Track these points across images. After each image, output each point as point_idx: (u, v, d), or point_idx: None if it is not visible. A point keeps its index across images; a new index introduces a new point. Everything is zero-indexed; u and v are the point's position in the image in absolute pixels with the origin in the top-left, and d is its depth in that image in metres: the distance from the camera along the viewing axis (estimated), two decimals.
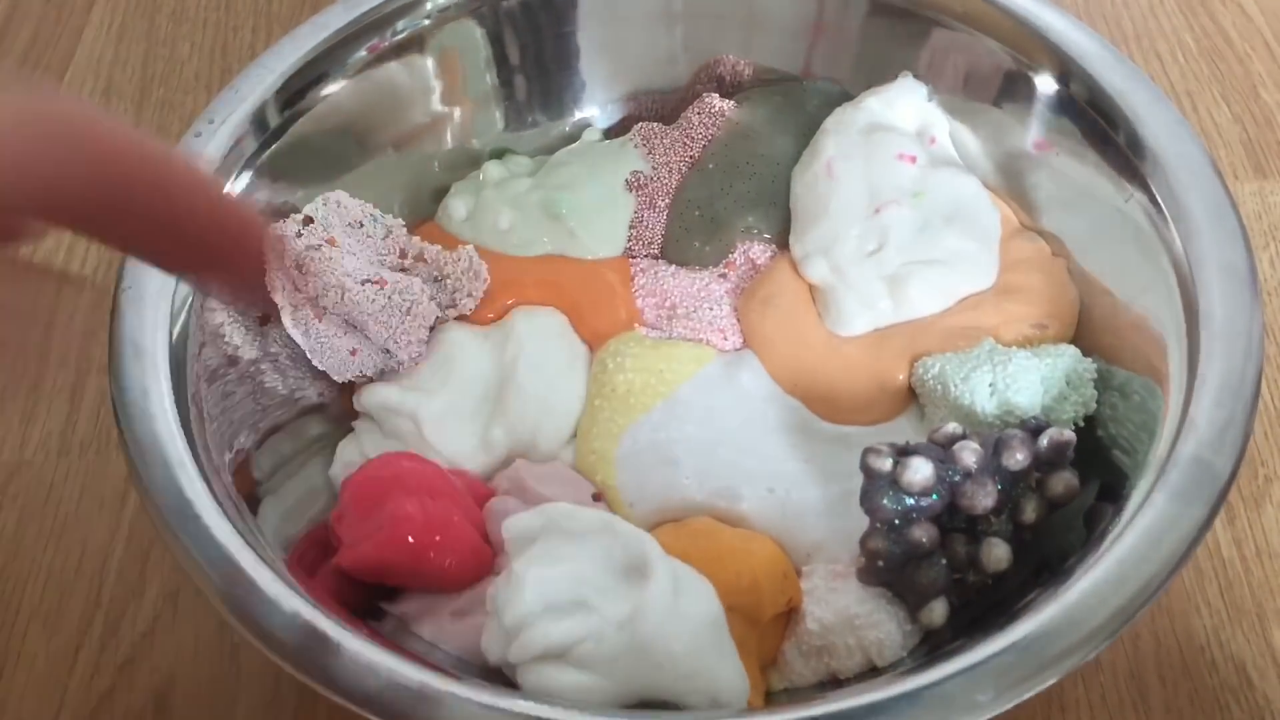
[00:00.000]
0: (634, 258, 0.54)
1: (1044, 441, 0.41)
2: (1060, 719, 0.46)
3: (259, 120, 0.51)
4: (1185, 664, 0.46)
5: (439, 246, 0.51)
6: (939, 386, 0.46)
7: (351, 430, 0.50)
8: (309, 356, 0.49)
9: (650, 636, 0.39)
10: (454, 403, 0.49)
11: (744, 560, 0.43)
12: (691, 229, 0.53)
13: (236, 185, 0.50)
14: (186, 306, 0.46)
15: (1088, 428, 0.45)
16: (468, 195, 0.56)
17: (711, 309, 0.51)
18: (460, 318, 0.52)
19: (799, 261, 0.51)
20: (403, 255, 0.51)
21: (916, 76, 0.53)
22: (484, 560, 0.44)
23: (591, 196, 0.54)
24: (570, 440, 0.49)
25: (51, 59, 0.71)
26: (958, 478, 0.41)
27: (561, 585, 0.41)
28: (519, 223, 0.54)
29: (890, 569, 0.42)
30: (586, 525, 0.43)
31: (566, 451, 0.49)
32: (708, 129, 0.55)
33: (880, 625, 0.41)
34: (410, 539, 0.42)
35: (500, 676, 0.42)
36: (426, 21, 0.55)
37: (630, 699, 0.40)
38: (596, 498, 0.47)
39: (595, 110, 0.59)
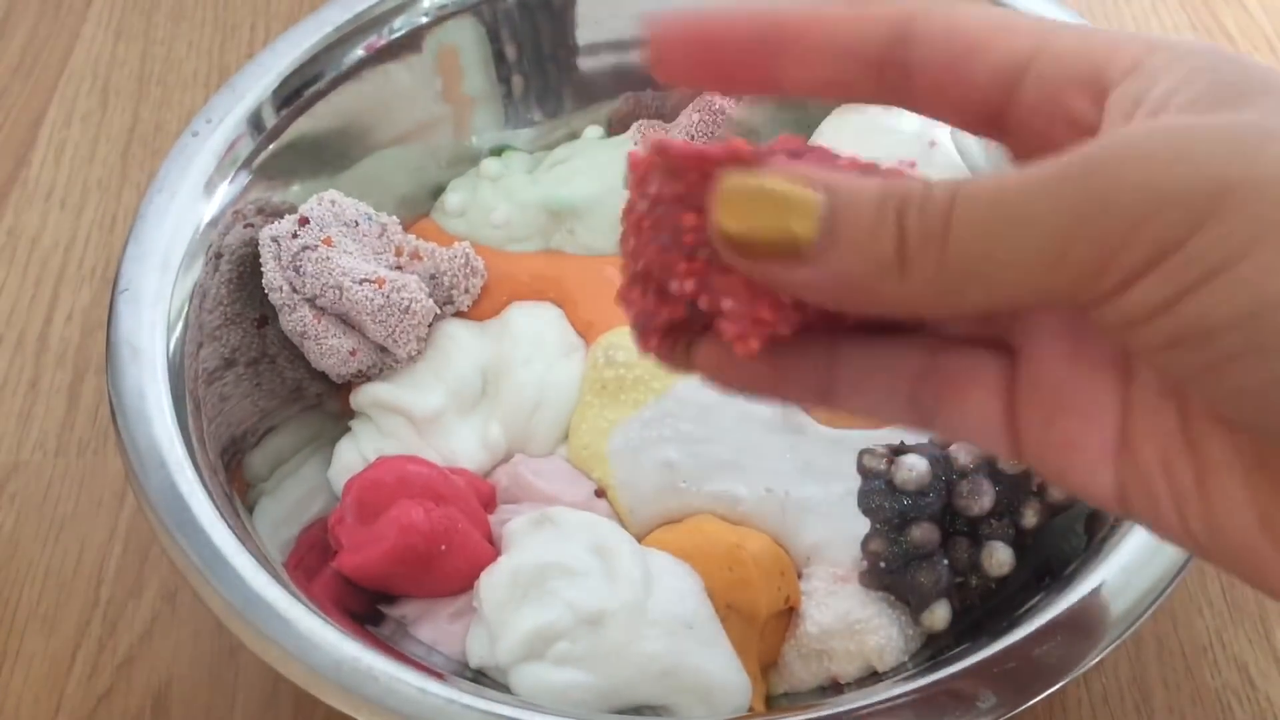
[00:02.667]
0: None
1: None
2: None
3: (256, 119, 0.51)
4: (1188, 665, 0.46)
5: (434, 244, 0.51)
6: None
7: (349, 430, 0.50)
8: (307, 357, 0.48)
9: (622, 636, 0.40)
10: (451, 400, 0.49)
11: (735, 555, 0.43)
12: None
13: (233, 185, 0.50)
14: (184, 308, 0.46)
15: None
16: (464, 192, 0.55)
17: None
18: (458, 314, 0.51)
19: None
20: (399, 253, 0.50)
21: None
22: (488, 565, 0.44)
23: (590, 194, 0.53)
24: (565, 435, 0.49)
25: (49, 57, 0.70)
26: (955, 477, 0.41)
27: (534, 573, 0.41)
28: (515, 218, 0.53)
29: (892, 571, 0.42)
30: (570, 521, 0.43)
31: (564, 447, 0.49)
32: (708, 127, 0.55)
33: (881, 630, 0.41)
34: (416, 547, 0.42)
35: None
36: (424, 19, 0.55)
37: (624, 698, 0.40)
38: (598, 494, 0.47)
39: (595, 108, 0.59)
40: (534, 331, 0.50)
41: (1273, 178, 0.18)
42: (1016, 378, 0.23)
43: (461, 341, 0.50)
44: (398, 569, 0.43)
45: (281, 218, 0.49)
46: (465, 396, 0.49)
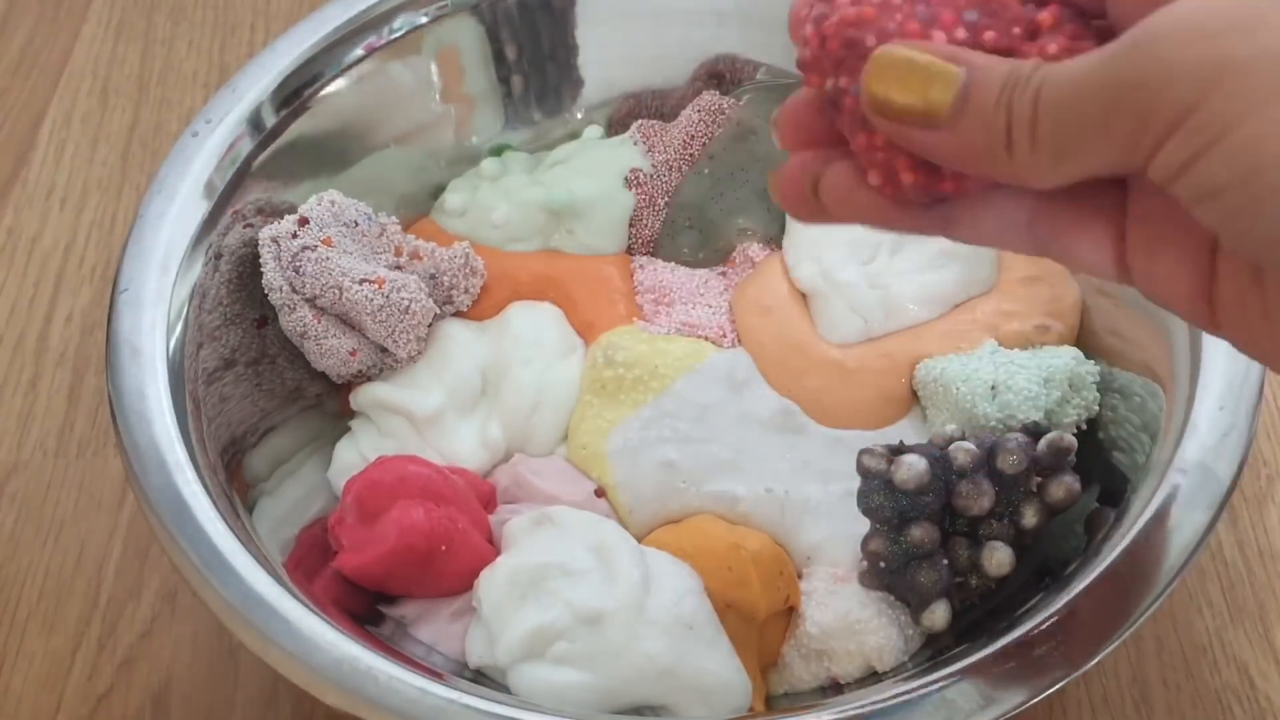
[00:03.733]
0: (634, 255, 0.53)
1: (1043, 445, 0.41)
2: None
3: (256, 119, 0.51)
4: (1187, 665, 0.46)
5: (434, 244, 0.51)
6: (940, 388, 0.45)
7: (349, 430, 0.50)
8: (307, 357, 0.48)
9: (622, 636, 0.40)
10: (450, 400, 0.49)
11: (735, 555, 0.43)
12: (680, 235, 0.53)
13: (233, 185, 0.50)
14: (184, 308, 0.46)
15: (1088, 429, 0.45)
16: (464, 191, 0.55)
17: (710, 306, 0.51)
18: (458, 314, 0.51)
19: (791, 267, 0.51)
20: (398, 253, 0.50)
21: None
22: (488, 565, 0.44)
23: (589, 193, 0.53)
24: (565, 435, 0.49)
25: (49, 57, 0.70)
26: (954, 477, 0.41)
27: (533, 573, 0.41)
28: (514, 217, 0.53)
29: (892, 571, 0.42)
30: (570, 521, 0.43)
31: (563, 447, 0.49)
32: (708, 127, 0.55)
33: (880, 630, 0.41)
34: (416, 547, 0.42)
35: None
36: (424, 19, 0.55)
37: (623, 698, 0.40)
38: (598, 494, 0.47)
39: (595, 107, 0.59)
40: (534, 331, 0.50)
41: (1267, 51, 0.21)
42: (1128, 212, 0.25)
43: (461, 341, 0.50)
44: (398, 569, 0.43)
45: (281, 218, 0.49)
46: (465, 396, 0.49)
